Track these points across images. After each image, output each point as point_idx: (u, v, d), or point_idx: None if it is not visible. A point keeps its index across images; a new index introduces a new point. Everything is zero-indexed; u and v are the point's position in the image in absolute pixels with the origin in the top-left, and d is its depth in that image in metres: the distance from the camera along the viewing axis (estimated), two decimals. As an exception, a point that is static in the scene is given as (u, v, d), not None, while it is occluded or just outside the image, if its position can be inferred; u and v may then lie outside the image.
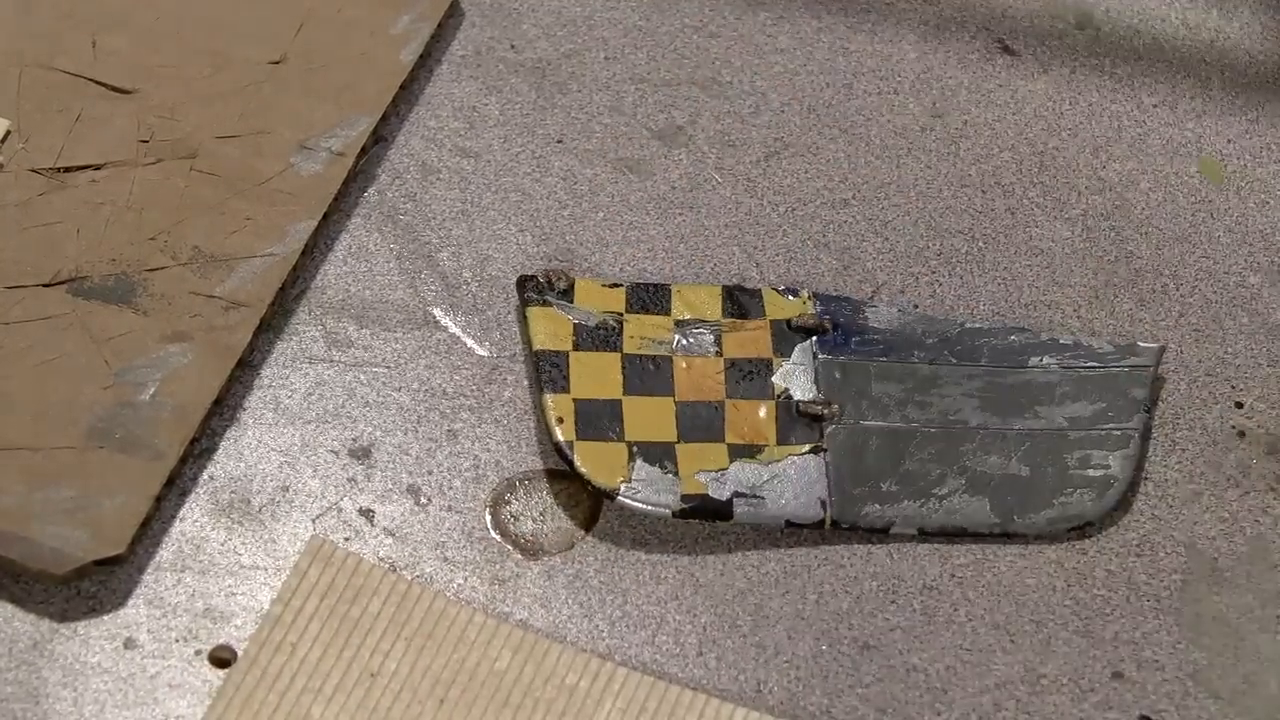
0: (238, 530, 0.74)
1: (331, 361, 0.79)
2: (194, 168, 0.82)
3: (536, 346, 0.79)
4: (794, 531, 0.76)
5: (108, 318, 0.77)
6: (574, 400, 0.77)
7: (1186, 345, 0.84)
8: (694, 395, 0.78)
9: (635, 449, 0.76)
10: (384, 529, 0.75)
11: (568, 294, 0.80)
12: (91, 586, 0.72)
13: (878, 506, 0.76)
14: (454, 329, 0.81)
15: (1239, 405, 0.82)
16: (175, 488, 0.74)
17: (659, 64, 0.90)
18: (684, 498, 0.75)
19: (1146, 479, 0.79)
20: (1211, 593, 0.77)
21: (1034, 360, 0.81)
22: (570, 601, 0.74)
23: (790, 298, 0.82)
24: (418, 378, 0.79)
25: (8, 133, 0.82)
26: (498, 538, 0.75)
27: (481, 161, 0.86)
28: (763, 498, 0.76)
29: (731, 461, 0.76)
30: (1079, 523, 0.77)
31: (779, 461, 0.77)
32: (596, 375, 0.78)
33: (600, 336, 0.79)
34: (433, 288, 0.82)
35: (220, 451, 0.76)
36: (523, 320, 0.80)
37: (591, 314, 0.80)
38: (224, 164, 0.82)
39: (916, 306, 0.83)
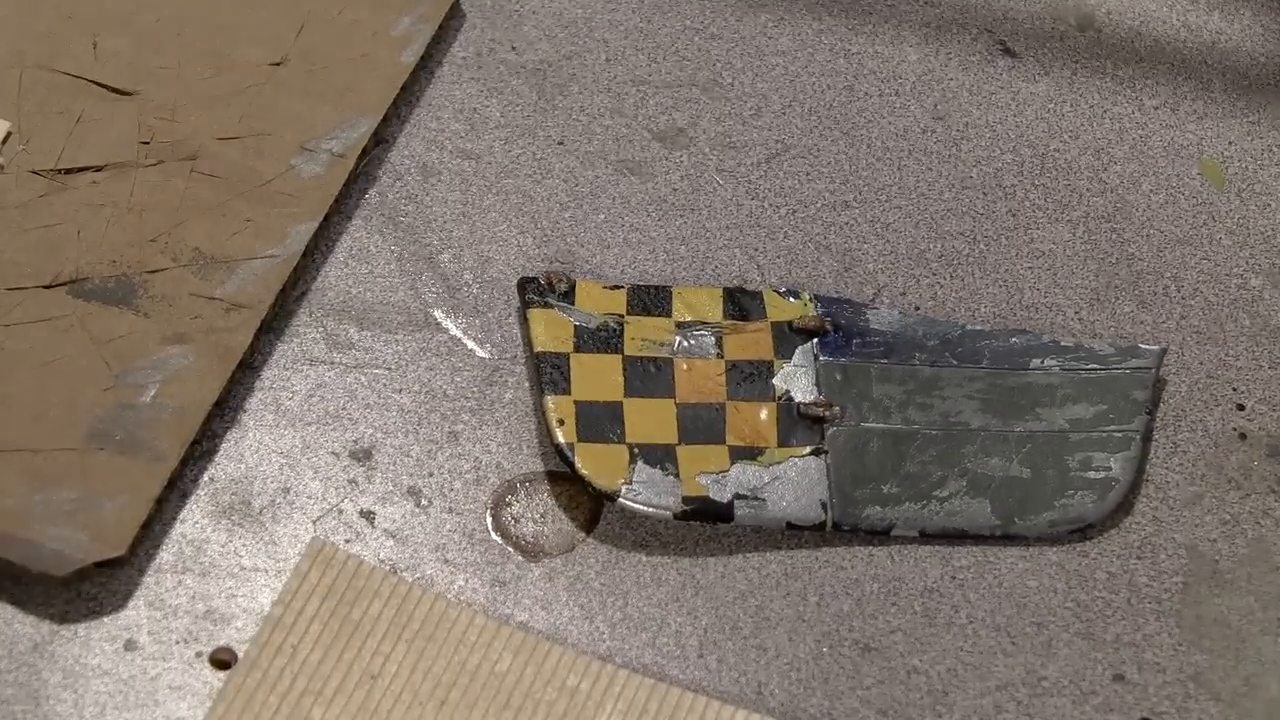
0: (238, 532, 0.74)
1: (332, 363, 0.79)
2: (195, 169, 0.81)
3: (537, 348, 0.79)
4: (795, 533, 0.76)
5: (108, 319, 0.77)
6: (575, 402, 0.77)
7: (1188, 347, 0.84)
8: (695, 397, 0.78)
9: (636, 451, 0.76)
10: (385, 531, 0.75)
11: (569, 296, 0.80)
12: (92, 588, 0.72)
13: (879, 508, 0.76)
14: (455, 331, 0.81)
15: (1240, 407, 0.82)
16: (176, 489, 0.74)
17: (660, 66, 0.90)
18: (685, 500, 0.75)
19: (1148, 481, 0.79)
20: (1213, 595, 0.77)
21: (1035, 362, 0.81)
22: (571, 603, 0.74)
23: (791, 299, 0.82)
24: (419, 379, 0.79)
25: (8, 134, 0.82)
26: (499, 540, 0.75)
27: (482, 163, 0.86)
28: (764, 500, 0.76)
29: (732, 463, 0.76)
30: (1080, 525, 0.77)
31: (780, 463, 0.77)
32: (597, 377, 0.78)
33: (601, 338, 0.79)
34: (434, 289, 0.81)
35: (221, 453, 0.76)
36: (524, 322, 0.80)
37: (592, 316, 0.80)
38: (225, 165, 0.82)
39: (918, 308, 0.83)
